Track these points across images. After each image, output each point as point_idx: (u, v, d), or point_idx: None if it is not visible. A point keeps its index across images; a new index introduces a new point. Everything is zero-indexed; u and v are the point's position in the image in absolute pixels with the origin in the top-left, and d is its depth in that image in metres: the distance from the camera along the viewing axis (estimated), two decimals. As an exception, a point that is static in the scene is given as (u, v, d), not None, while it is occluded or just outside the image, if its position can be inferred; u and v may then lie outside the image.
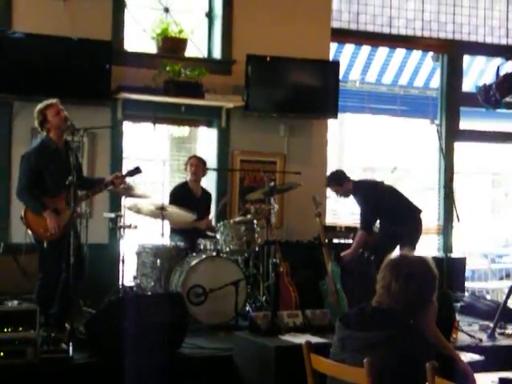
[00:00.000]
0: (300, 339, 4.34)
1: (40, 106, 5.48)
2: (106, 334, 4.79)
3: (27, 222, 5.39)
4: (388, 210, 6.63)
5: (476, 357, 4.02)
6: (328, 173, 7.03)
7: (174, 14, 7.45)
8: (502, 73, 6.02)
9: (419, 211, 6.78)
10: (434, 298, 2.79)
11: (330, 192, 7.71)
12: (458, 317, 5.94)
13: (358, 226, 6.72)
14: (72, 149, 5.31)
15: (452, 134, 8.50)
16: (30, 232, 5.43)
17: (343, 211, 8.51)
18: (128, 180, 5.81)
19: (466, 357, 3.84)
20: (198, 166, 6.88)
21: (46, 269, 5.45)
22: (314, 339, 4.39)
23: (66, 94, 6.40)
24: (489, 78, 6.83)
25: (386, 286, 2.70)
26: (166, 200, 6.51)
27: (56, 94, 5.75)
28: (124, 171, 5.96)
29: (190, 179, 6.91)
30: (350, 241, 7.15)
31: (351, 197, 6.79)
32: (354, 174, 7.33)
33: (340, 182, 6.74)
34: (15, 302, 4.73)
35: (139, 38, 7.33)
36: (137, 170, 5.74)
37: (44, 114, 5.44)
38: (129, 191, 6.03)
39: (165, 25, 7.24)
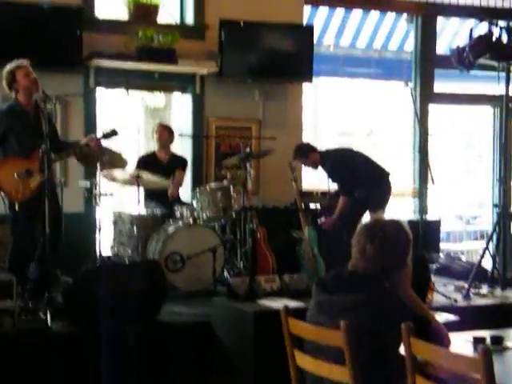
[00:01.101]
0: (278, 303, 4.37)
1: (9, 66, 5.40)
2: (84, 302, 4.79)
3: None
4: (356, 174, 6.66)
5: (451, 317, 4.08)
6: (296, 145, 7.01)
7: (145, -21, 7.33)
8: (475, 34, 6.01)
9: (387, 174, 6.80)
10: (408, 260, 2.82)
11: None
12: (433, 278, 6.02)
13: (339, 192, 6.72)
14: (44, 113, 5.22)
15: (426, 97, 8.51)
16: (2, 194, 5.36)
17: (319, 176, 8.53)
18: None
19: (442, 317, 3.88)
20: (162, 132, 6.86)
21: (18, 232, 5.41)
22: (292, 303, 4.43)
23: (38, 61, 6.22)
24: (463, 40, 6.82)
25: (361, 250, 2.73)
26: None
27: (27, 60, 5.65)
28: (99, 134, 5.87)
29: (159, 147, 6.89)
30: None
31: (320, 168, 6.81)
32: (330, 139, 7.35)
33: (306, 154, 6.73)
34: (-10, 273, 4.72)
35: (111, 4, 7.22)
36: (113, 133, 5.62)
37: (13, 74, 5.37)
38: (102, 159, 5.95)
39: (136, -10, 7.12)
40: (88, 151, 5.66)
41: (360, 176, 6.64)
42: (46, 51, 6.45)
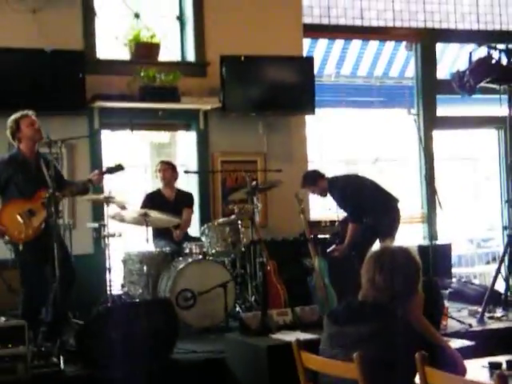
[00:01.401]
0: (291, 337, 4.34)
1: (14, 115, 5.48)
2: (97, 344, 4.77)
3: (1, 224, 5.35)
4: (365, 201, 6.65)
5: (467, 342, 4.05)
6: (304, 173, 7.04)
7: (145, 20, 7.43)
8: (474, 58, 6.05)
9: (396, 201, 6.80)
10: (419, 287, 2.80)
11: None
12: (446, 303, 5.98)
13: (349, 219, 6.72)
14: (48, 160, 5.31)
15: (430, 122, 8.54)
16: (6, 238, 5.38)
17: (326, 205, 8.53)
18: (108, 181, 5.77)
19: (457, 343, 3.86)
20: (165, 171, 6.88)
21: (27, 277, 5.41)
22: (305, 336, 4.41)
23: (42, 106, 6.35)
24: (463, 65, 6.85)
25: (371, 280, 2.71)
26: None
27: (32, 106, 5.71)
28: (104, 168, 5.91)
29: (163, 184, 6.90)
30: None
31: (329, 196, 6.83)
32: (336, 168, 7.36)
33: (314, 181, 6.76)
34: (2, 319, 4.71)
35: (112, 45, 7.30)
36: (118, 167, 5.66)
37: (17, 124, 5.43)
38: (110, 200, 6.01)
39: (136, 31, 7.21)
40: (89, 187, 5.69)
41: (369, 202, 6.64)
42: (50, 95, 6.53)
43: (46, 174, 5.29)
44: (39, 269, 5.34)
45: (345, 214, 6.89)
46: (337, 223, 7.08)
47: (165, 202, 6.79)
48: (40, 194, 5.31)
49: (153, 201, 6.73)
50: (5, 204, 5.41)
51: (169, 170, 6.90)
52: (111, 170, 5.67)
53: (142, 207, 6.59)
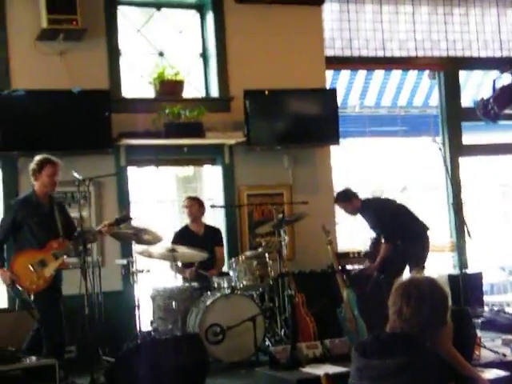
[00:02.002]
0: (321, 370, 4.31)
1: (43, 156, 5.59)
2: (127, 381, 4.76)
3: (13, 274, 5.42)
4: (397, 225, 6.67)
5: (501, 373, 3.97)
6: (340, 190, 7.13)
7: (169, 57, 7.55)
8: (498, 86, 6.04)
9: (427, 228, 6.80)
10: (447, 317, 2.76)
11: (339, 218, 7.75)
12: (479, 333, 5.88)
13: (383, 238, 6.77)
14: (62, 206, 5.55)
15: (456, 150, 8.51)
16: (17, 285, 5.47)
17: (356, 236, 8.50)
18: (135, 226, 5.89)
19: (491, 373, 3.79)
20: (192, 206, 6.91)
21: (46, 321, 5.48)
22: (335, 369, 4.38)
23: (69, 146, 6.49)
24: (486, 92, 6.84)
25: (398, 311, 2.68)
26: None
27: (59, 146, 5.85)
28: (112, 219, 6.02)
29: (191, 220, 6.94)
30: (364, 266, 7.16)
31: (359, 216, 6.87)
32: (363, 196, 7.33)
33: (349, 198, 6.85)
34: (33, 358, 4.74)
35: (136, 83, 7.42)
36: (125, 218, 5.88)
37: (41, 167, 5.54)
38: (138, 237, 6.08)
39: (160, 69, 7.32)
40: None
41: (401, 226, 6.68)
42: (76, 135, 6.63)
43: (58, 220, 5.43)
44: (53, 309, 5.43)
45: (374, 235, 6.92)
46: (369, 243, 7.06)
47: (193, 237, 6.82)
48: (51, 244, 5.45)
49: (182, 237, 6.75)
50: (17, 253, 5.49)
51: (195, 206, 6.93)
52: (119, 221, 5.81)
53: (173, 243, 6.62)
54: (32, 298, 5.42)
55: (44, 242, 5.45)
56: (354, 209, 6.88)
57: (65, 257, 5.49)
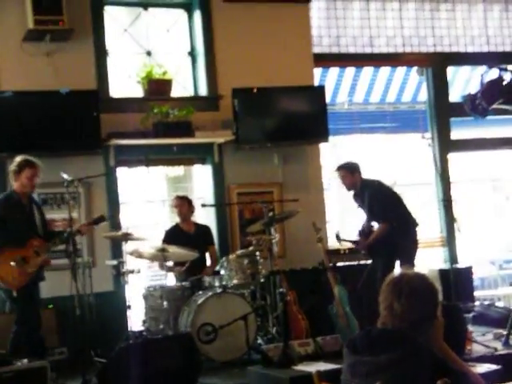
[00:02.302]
0: (313, 367, 4.31)
1: (22, 158, 5.62)
2: (119, 382, 4.75)
3: None
4: (394, 209, 6.62)
5: (493, 367, 3.98)
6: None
7: (157, 57, 7.53)
8: (486, 80, 6.04)
9: (417, 224, 6.78)
10: (438, 313, 2.77)
11: (329, 216, 7.75)
12: (470, 327, 5.91)
13: (380, 218, 6.65)
14: (39, 205, 5.68)
15: (445, 146, 8.52)
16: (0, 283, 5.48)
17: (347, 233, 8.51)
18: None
19: (483, 368, 3.80)
20: (181, 206, 6.91)
21: (20, 318, 5.50)
22: (327, 366, 4.38)
23: (58, 147, 6.47)
24: (474, 87, 6.84)
25: (389, 307, 2.69)
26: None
27: (47, 147, 5.82)
28: (89, 219, 6.18)
29: (181, 219, 6.93)
30: (355, 262, 7.17)
31: (352, 193, 6.83)
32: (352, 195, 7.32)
33: (351, 170, 6.76)
34: (25, 361, 4.72)
35: (124, 83, 7.40)
36: (101, 219, 5.94)
37: (20, 168, 5.59)
38: (128, 236, 6.08)
39: (148, 68, 7.30)
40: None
41: (398, 210, 6.63)
42: (65, 136, 6.60)
43: (37, 219, 5.52)
44: (28, 307, 5.47)
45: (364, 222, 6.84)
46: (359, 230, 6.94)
47: (184, 236, 6.81)
48: (32, 242, 5.52)
49: (172, 236, 6.75)
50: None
51: (185, 205, 6.93)
52: (96, 222, 5.95)
53: (163, 242, 6.62)
54: (15, 294, 5.43)
55: (24, 240, 5.49)
56: (351, 183, 6.77)
57: (46, 255, 5.54)
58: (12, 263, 5.39)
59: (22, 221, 5.55)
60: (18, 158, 5.63)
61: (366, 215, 6.76)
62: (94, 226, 6.02)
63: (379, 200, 6.67)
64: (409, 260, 6.37)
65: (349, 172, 6.77)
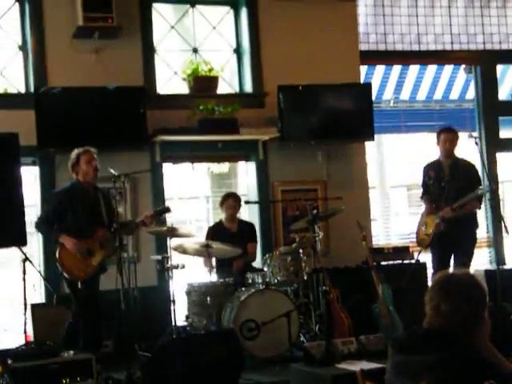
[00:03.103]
0: (356, 366, 4.28)
1: (77, 150, 5.77)
2: (163, 376, 4.80)
3: (61, 262, 5.52)
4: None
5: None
6: None
7: (203, 54, 7.57)
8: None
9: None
10: (485, 314, 2.73)
11: (375, 214, 7.69)
12: (517, 330, 5.80)
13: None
14: (107, 196, 5.58)
15: (493, 145, 8.39)
16: (65, 274, 5.55)
17: (392, 232, 8.45)
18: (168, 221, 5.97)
19: (529, 371, 3.73)
20: (232, 202, 6.88)
21: (78, 310, 5.58)
22: (370, 365, 4.34)
23: (105, 143, 6.53)
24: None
25: (435, 307, 2.65)
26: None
27: (95, 143, 5.88)
28: (152, 211, 6.09)
29: (226, 218, 6.93)
30: (399, 261, 7.12)
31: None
32: (398, 191, 7.28)
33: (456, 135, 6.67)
34: (71, 353, 4.79)
35: (171, 80, 7.46)
36: (166, 209, 5.96)
37: (78, 158, 5.71)
38: (173, 232, 6.13)
39: (195, 65, 7.35)
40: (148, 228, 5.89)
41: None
42: (112, 132, 6.69)
43: (103, 209, 5.50)
44: (88, 299, 5.51)
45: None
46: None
47: (228, 233, 6.83)
48: (98, 234, 5.57)
49: (216, 233, 6.77)
50: (65, 245, 5.58)
51: (236, 202, 6.91)
52: (159, 212, 5.96)
53: (206, 239, 6.65)
54: (79, 286, 5.50)
55: (88, 230, 5.57)
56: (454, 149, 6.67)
57: (110, 247, 5.60)
58: (78, 255, 5.49)
59: (86, 211, 5.62)
60: (73, 152, 5.76)
61: (452, 187, 6.59)
62: (158, 217, 6.03)
63: (478, 178, 6.67)
64: (464, 261, 6.30)
65: (457, 137, 6.67)
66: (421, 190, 6.99)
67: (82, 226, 5.58)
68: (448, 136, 6.61)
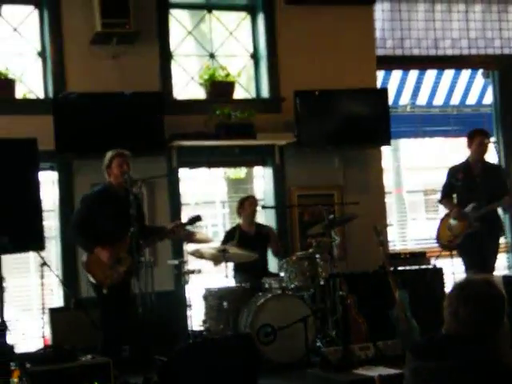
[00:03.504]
0: (373, 372, 4.29)
1: (112, 151, 5.72)
2: (180, 381, 4.80)
3: (89, 267, 5.52)
4: None
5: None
6: None
7: (220, 59, 7.59)
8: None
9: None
10: (504, 319, 2.72)
11: (391, 219, 7.68)
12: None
13: None
14: (136, 198, 5.48)
15: (511, 150, 8.34)
16: (91, 279, 5.55)
17: (408, 237, 8.43)
18: (188, 226, 5.92)
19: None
20: (252, 205, 6.89)
21: (108, 319, 5.55)
22: (388, 371, 4.33)
23: (123, 147, 6.54)
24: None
25: (454, 313, 2.64)
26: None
27: (112, 148, 5.90)
28: (184, 219, 6.07)
29: (246, 219, 6.91)
30: (416, 267, 7.09)
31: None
32: (415, 197, 7.23)
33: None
34: (89, 357, 4.82)
35: (188, 85, 7.48)
36: (197, 218, 5.87)
37: (111, 161, 5.68)
38: (191, 237, 6.13)
39: (211, 70, 7.37)
40: (173, 236, 5.84)
41: None
42: (129, 137, 6.69)
43: (134, 213, 5.45)
44: (120, 309, 5.49)
45: None
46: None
47: (245, 237, 6.83)
48: (127, 240, 5.46)
49: (232, 237, 6.77)
50: (94, 248, 5.56)
51: (254, 206, 6.93)
52: (191, 222, 5.87)
53: (224, 243, 6.67)
54: (105, 291, 5.48)
55: (119, 234, 5.49)
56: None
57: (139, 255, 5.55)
58: (106, 261, 5.47)
59: (118, 214, 5.54)
60: (108, 153, 5.72)
61: (484, 188, 6.56)
62: (189, 225, 5.93)
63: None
64: (487, 267, 6.29)
65: (490, 140, 6.72)
66: (439, 194, 6.96)
67: (114, 229, 5.53)
68: (484, 138, 6.60)
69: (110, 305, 5.52)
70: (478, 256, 6.42)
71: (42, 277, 5.68)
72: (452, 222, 6.64)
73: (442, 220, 6.82)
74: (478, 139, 6.56)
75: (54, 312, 6.33)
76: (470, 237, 6.45)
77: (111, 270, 5.48)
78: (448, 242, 6.62)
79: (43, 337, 5.67)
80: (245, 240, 6.68)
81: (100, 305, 5.62)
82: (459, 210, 6.57)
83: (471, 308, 2.63)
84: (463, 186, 6.60)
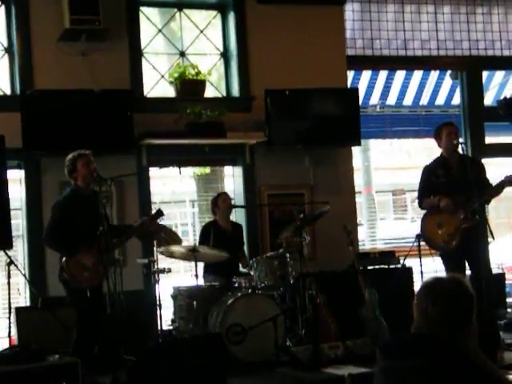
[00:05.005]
0: (343, 371, 4.31)
1: (72, 154, 5.66)
2: (148, 380, 4.77)
3: (70, 271, 5.46)
4: None
5: (525, 374, 3.93)
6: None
7: (190, 57, 7.56)
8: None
9: None
10: (473, 318, 2.74)
11: (361, 218, 7.71)
12: (502, 335, 5.84)
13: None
14: (101, 198, 5.41)
15: (478, 150, 8.43)
16: (71, 282, 5.50)
17: (378, 236, 8.48)
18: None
19: (515, 376, 3.75)
20: (227, 200, 6.93)
21: (82, 322, 5.52)
22: (357, 370, 4.36)
23: (92, 146, 6.48)
24: (509, 91, 6.78)
25: (423, 312, 2.65)
26: (197, 240, 6.56)
27: (81, 146, 5.85)
28: (148, 216, 6.06)
29: (222, 216, 6.91)
30: (385, 266, 7.13)
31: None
32: (383, 197, 7.28)
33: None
34: (56, 357, 4.76)
35: (158, 83, 7.44)
36: (159, 213, 5.88)
37: (74, 163, 5.61)
38: (160, 230, 6.10)
39: (182, 68, 7.34)
40: (147, 232, 5.82)
41: None
42: (98, 135, 6.66)
43: (103, 212, 5.43)
44: (94, 309, 5.44)
45: None
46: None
47: (223, 233, 6.81)
48: (97, 245, 5.45)
49: (210, 232, 6.74)
50: (74, 254, 5.54)
51: (229, 200, 6.96)
52: (154, 217, 5.90)
53: (201, 239, 6.65)
54: (88, 294, 5.44)
55: (94, 237, 5.45)
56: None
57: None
58: (86, 263, 5.44)
59: (89, 217, 5.51)
60: (68, 156, 5.66)
61: (466, 181, 6.14)
62: (155, 220, 5.95)
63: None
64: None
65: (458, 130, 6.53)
66: (414, 198, 6.80)
67: (89, 231, 5.49)
68: (452, 128, 6.41)
69: (86, 305, 5.48)
70: (462, 259, 6.19)
71: (9, 276, 5.59)
72: (440, 218, 6.24)
73: (425, 219, 6.41)
74: (445, 130, 6.36)
75: (20, 311, 6.23)
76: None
77: (93, 272, 5.43)
78: (444, 242, 6.21)
79: (9, 336, 5.58)
80: (222, 236, 6.67)
81: (75, 305, 5.57)
82: (451, 200, 6.15)
83: (440, 307, 2.64)
84: (446, 182, 6.29)
